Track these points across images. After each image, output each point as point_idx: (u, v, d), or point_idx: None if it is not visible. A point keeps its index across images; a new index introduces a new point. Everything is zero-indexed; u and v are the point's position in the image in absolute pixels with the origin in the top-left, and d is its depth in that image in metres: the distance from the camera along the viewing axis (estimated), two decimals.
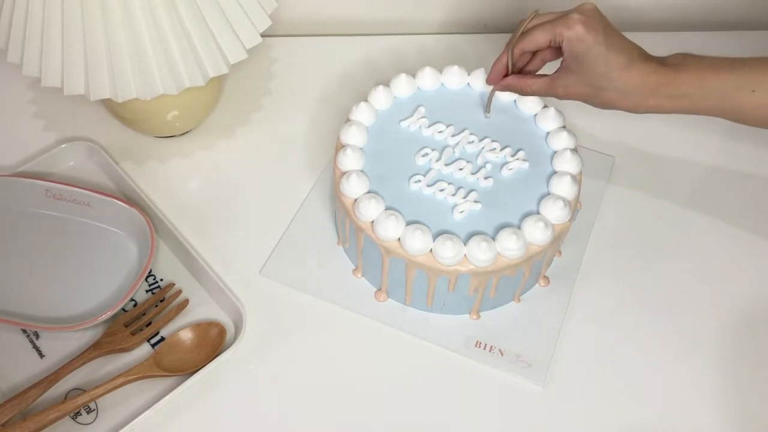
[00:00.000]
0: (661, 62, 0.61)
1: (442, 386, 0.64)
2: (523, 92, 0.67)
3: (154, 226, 0.69)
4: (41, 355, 0.65)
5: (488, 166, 0.67)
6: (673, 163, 0.80)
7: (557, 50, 0.65)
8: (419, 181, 0.66)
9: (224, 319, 0.67)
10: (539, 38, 0.63)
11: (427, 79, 0.73)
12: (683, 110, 0.62)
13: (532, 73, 0.68)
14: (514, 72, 0.67)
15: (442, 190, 0.65)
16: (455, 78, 0.72)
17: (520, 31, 0.64)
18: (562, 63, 0.64)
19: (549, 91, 0.65)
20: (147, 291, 0.69)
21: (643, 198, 0.77)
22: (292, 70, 0.89)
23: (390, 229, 0.62)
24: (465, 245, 0.62)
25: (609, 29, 0.62)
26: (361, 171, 0.66)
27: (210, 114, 0.81)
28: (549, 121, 0.70)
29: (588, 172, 0.69)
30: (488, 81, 0.69)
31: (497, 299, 0.67)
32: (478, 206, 0.65)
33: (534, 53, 0.67)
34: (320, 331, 0.67)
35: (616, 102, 0.62)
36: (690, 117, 0.63)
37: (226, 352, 0.63)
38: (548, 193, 0.65)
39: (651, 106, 0.62)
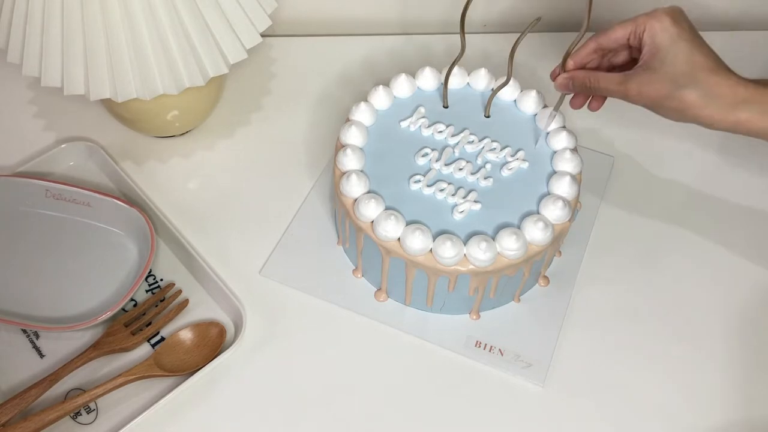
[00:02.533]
0: (749, 79, 0.57)
1: (442, 386, 0.64)
2: (591, 86, 0.62)
3: (154, 226, 0.69)
4: (41, 355, 0.65)
5: (488, 166, 0.67)
6: (673, 163, 0.80)
7: (631, 55, 0.62)
8: (419, 181, 0.66)
9: (224, 319, 0.67)
10: (618, 32, 0.60)
11: (427, 79, 0.73)
12: None
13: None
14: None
15: (442, 190, 0.65)
16: (455, 78, 0.72)
17: (574, 46, 0.63)
18: (639, 62, 0.60)
19: (620, 87, 0.60)
20: (147, 291, 0.69)
21: (643, 198, 0.77)
22: (292, 70, 0.89)
23: (390, 229, 0.62)
24: (465, 245, 0.62)
25: (695, 32, 0.58)
26: (361, 171, 0.66)
27: (210, 114, 0.81)
28: (549, 120, 0.69)
29: (588, 172, 0.69)
30: (552, 76, 0.66)
31: (497, 299, 0.67)
32: (478, 206, 0.65)
33: (603, 56, 0.64)
34: (320, 331, 0.67)
35: (697, 107, 0.56)
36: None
37: (226, 352, 0.63)
38: (548, 193, 0.65)
39: (737, 120, 0.56)
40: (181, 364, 0.64)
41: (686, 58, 0.57)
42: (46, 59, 0.66)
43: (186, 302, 0.68)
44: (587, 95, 0.65)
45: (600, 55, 0.64)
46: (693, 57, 0.57)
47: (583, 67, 0.64)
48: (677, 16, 0.59)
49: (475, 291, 0.64)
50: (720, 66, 0.58)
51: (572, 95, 0.66)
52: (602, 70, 0.64)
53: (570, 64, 0.64)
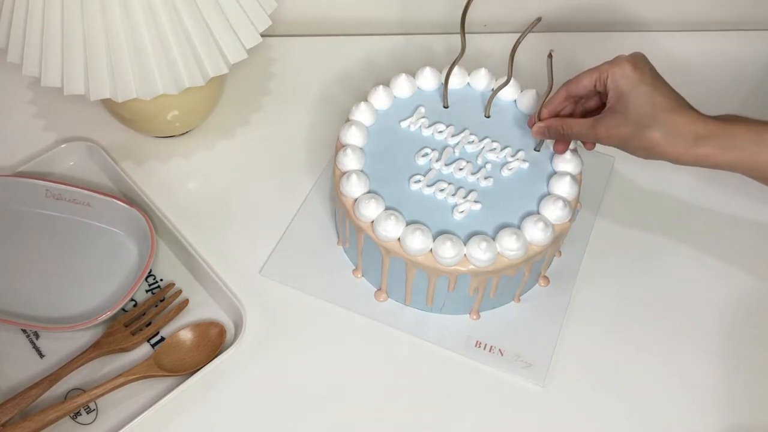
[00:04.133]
0: (708, 116, 0.59)
1: (442, 386, 0.64)
2: (565, 133, 0.65)
3: (154, 226, 0.69)
4: (41, 355, 0.65)
5: (488, 166, 0.67)
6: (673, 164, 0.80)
7: (600, 100, 0.64)
8: (419, 181, 0.66)
9: (224, 319, 0.67)
10: (585, 80, 0.63)
11: (427, 79, 0.73)
12: (734, 163, 0.58)
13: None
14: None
15: (442, 190, 0.65)
16: (455, 78, 0.72)
17: (546, 97, 0.65)
18: (606, 106, 0.62)
19: (591, 131, 0.62)
20: (147, 291, 0.69)
21: (643, 198, 0.77)
22: (292, 70, 0.89)
23: (390, 229, 0.62)
24: (465, 245, 0.62)
25: (656, 74, 0.61)
26: (361, 171, 0.66)
27: (210, 114, 0.81)
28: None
29: (588, 172, 0.69)
30: (529, 124, 0.68)
31: (497, 299, 0.67)
32: (478, 206, 0.65)
33: (576, 103, 0.66)
34: (320, 330, 0.67)
35: (661, 145, 0.59)
36: None
37: (226, 352, 0.63)
38: (548, 193, 0.65)
39: (699, 155, 0.58)
40: (181, 364, 0.64)
41: (647, 100, 0.59)
42: (46, 59, 0.66)
43: (186, 302, 0.68)
44: (566, 141, 0.67)
45: (573, 102, 0.66)
46: (654, 99, 0.59)
47: (557, 115, 0.66)
48: (638, 61, 0.61)
49: (475, 291, 0.64)
50: (680, 105, 0.60)
51: (555, 141, 0.68)
52: (577, 116, 0.66)
53: (544, 112, 0.66)
